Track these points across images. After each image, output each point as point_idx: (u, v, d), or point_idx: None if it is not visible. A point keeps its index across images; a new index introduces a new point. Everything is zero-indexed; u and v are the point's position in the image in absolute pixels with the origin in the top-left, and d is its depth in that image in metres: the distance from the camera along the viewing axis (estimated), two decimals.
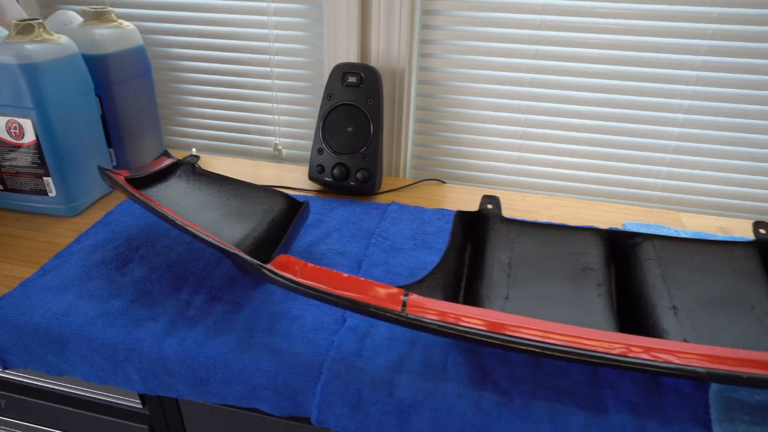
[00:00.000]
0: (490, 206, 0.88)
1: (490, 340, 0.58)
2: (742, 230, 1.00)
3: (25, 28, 0.85)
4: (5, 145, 0.90)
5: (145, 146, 1.13)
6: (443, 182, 1.17)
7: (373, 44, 1.08)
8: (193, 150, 1.23)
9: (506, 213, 1.03)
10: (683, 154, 1.08)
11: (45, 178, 0.92)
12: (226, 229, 0.82)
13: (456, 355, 0.68)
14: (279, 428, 0.78)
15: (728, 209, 1.11)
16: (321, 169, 1.06)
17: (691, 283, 0.75)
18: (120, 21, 1.03)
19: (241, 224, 0.83)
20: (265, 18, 1.15)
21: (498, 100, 1.12)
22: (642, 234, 0.81)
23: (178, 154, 1.24)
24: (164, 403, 0.82)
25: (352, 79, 1.02)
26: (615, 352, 0.58)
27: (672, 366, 0.56)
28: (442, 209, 1.03)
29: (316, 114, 1.22)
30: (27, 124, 0.87)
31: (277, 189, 0.95)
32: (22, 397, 0.88)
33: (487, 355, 0.68)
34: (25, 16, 0.97)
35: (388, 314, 0.60)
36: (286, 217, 0.87)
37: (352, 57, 1.10)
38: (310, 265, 0.68)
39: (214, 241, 0.68)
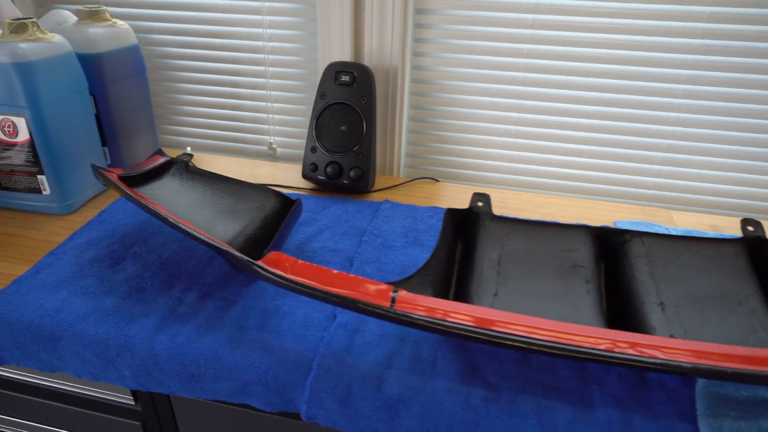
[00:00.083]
0: (480, 204, 0.88)
1: (477, 336, 0.59)
2: (734, 228, 1.01)
3: (18, 27, 0.86)
4: None
5: (139, 145, 1.14)
6: (437, 181, 1.18)
7: (367, 43, 1.09)
8: (188, 149, 1.23)
9: (499, 211, 1.04)
10: (676, 152, 1.08)
11: (39, 177, 0.93)
12: (218, 226, 0.82)
13: (445, 351, 0.69)
14: (269, 424, 0.78)
15: (720, 207, 1.12)
16: (314, 167, 1.06)
17: (680, 279, 0.75)
18: (114, 20, 1.03)
19: (233, 222, 0.84)
20: (259, 17, 1.16)
21: (491, 99, 1.12)
22: (631, 231, 0.82)
23: (174, 153, 1.24)
24: (156, 400, 0.82)
25: (345, 78, 1.03)
26: (601, 347, 0.58)
27: (657, 361, 0.56)
28: (435, 207, 1.03)
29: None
30: (21, 123, 0.87)
31: (270, 187, 0.95)
32: (15, 394, 0.88)
33: (476, 352, 0.69)
34: (19, 15, 0.97)
35: (377, 310, 0.61)
36: (278, 214, 0.88)
37: (346, 56, 1.10)
38: (300, 261, 0.69)
39: (205, 239, 0.68)
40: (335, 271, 0.68)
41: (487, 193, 0.93)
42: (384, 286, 0.66)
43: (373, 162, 1.07)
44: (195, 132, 1.34)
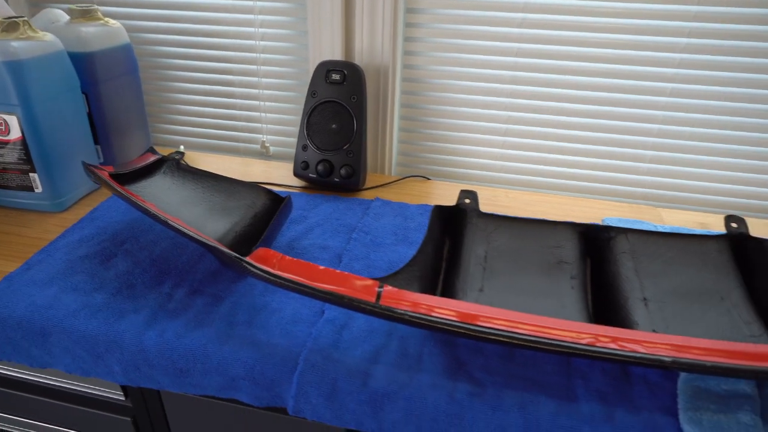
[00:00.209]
0: (467, 201, 0.89)
1: (460, 331, 0.60)
2: (722, 225, 1.01)
3: (10, 26, 0.86)
4: None
5: (132, 143, 1.14)
6: (428, 179, 1.19)
7: (357, 42, 1.10)
8: (181, 147, 1.24)
9: (489, 209, 1.05)
10: (664, 150, 1.09)
11: (31, 174, 0.93)
12: (208, 223, 0.83)
13: (432, 346, 0.70)
14: (258, 418, 0.79)
15: (709, 205, 1.13)
16: (305, 165, 1.07)
17: (663, 275, 0.76)
18: (106, 19, 1.04)
19: (223, 219, 0.85)
20: (251, 16, 1.16)
21: (482, 98, 1.13)
22: (616, 228, 0.83)
23: (167, 152, 1.25)
24: (146, 395, 0.83)
25: (335, 77, 1.04)
26: (583, 341, 0.59)
27: (638, 355, 0.57)
28: (426, 205, 1.04)
29: None
30: (12, 121, 0.88)
31: (261, 185, 0.96)
32: (6, 390, 0.89)
33: (462, 347, 0.69)
34: (12, 13, 0.98)
35: (362, 305, 0.62)
36: (268, 212, 0.89)
37: (337, 55, 1.11)
38: (287, 258, 0.70)
39: (194, 235, 0.69)
40: (322, 267, 0.68)
41: (475, 190, 0.94)
42: (370, 282, 0.66)
43: (364, 160, 1.07)
44: (188, 131, 1.35)
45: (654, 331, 0.67)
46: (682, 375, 0.65)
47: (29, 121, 0.89)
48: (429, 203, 1.06)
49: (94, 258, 0.84)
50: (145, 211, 0.73)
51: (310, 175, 1.07)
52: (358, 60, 1.12)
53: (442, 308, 0.63)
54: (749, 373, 0.55)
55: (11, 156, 0.92)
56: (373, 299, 0.63)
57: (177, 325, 0.71)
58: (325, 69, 1.05)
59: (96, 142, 1.06)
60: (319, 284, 0.64)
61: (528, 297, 0.73)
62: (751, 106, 1.01)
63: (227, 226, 0.83)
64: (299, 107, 1.24)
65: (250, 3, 1.15)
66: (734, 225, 0.82)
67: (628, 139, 1.10)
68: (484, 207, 1.05)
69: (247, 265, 0.66)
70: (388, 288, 0.66)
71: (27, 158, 0.92)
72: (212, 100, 1.29)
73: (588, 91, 1.07)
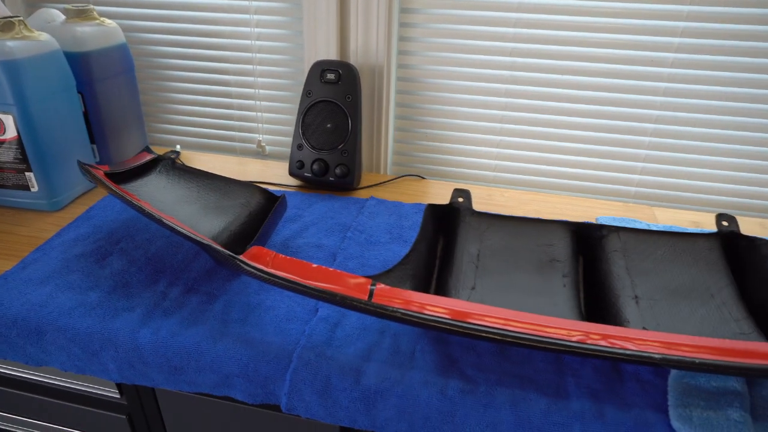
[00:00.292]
0: (460, 199, 0.90)
1: (451, 328, 0.60)
2: (714, 224, 1.02)
3: (5, 26, 0.87)
4: None
5: (128, 143, 1.15)
6: (423, 178, 1.19)
7: (352, 42, 1.10)
8: (177, 146, 1.24)
9: (484, 208, 1.05)
10: (657, 149, 1.10)
11: (27, 174, 0.94)
12: (203, 222, 0.83)
13: (424, 344, 0.70)
14: (252, 416, 0.79)
15: (701, 204, 1.13)
16: (301, 164, 1.08)
17: (655, 273, 0.77)
18: (102, 19, 1.04)
19: (218, 218, 0.85)
20: (247, 16, 1.17)
21: (477, 97, 1.13)
22: (608, 226, 0.83)
23: (163, 151, 1.25)
24: (141, 393, 0.83)
25: (330, 76, 1.04)
26: (574, 339, 0.60)
27: (628, 352, 0.58)
28: (420, 204, 1.04)
29: None
30: (8, 120, 0.89)
31: (255, 184, 0.96)
32: (1, 388, 0.89)
33: (454, 344, 0.70)
34: (8, 13, 0.98)
35: (354, 303, 0.62)
36: (263, 211, 0.89)
37: (332, 54, 1.11)
38: (281, 256, 0.70)
39: (189, 234, 0.69)
40: (315, 265, 0.69)
41: (469, 189, 0.94)
42: (362, 280, 0.67)
43: (359, 159, 1.08)
44: (184, 130, 1.35)
45: (644, 328, 0.68)
46: (673, 372, 0.66)
47: (25, 121, 0.89)
48: (424, 202, 1.07)
49: (90, 257, 0.84)
50: (140, 210, 0.73)
51: (306, 174, 1.08)
52: (353, 60, 1.12)
53: (435, 306, 0.64)
54: (738, 370, 0.55)
55: (7, 155, 0.92)
56: (365, 297, 0.64)
57: (172, 323, 0.72)
58: (320, 69, 1.05)
59: (92, 141, 1.07)
60: (312, 282, 0.64)
61: (520, 295, 0.74)
62: (744, 105, 1.02)
63: (222, 225, 0.83)
64: (295, 107, 1.24)
65: (246, 3, 1.15)
66: (725, 223, 0.83)
67: (622, 138, 1.10)
68: (480, 206, 1.06)
69: (241, 263, 0.66)
70: (381, 286, 0.66)
71: (23, 157, 0.92)
72: (208, 99, 1.29)
73: (583, 91, 1.08)
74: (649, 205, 1.15)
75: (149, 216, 0.72)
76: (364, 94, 1.14)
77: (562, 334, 0.61)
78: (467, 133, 1.18)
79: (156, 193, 0.88)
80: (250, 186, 0.93)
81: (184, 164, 0.97)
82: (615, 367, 0.67)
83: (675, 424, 0.60)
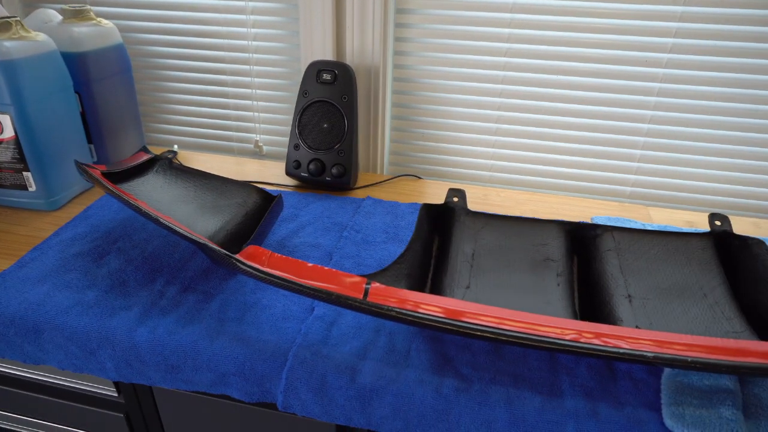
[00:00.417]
0: (456, 199, 0.90)
1: (445, 326, 0.61)
2: (707, 223, 1.02)
3: (2, 26, 0.87)
4: None
5: (125, 142, 1.15)
6: (419, 178, 1.20)
7: (348, 42, 1.11)
8: (175, 146, 1.24)
9: (481, 207, 1.06)
10: (652, 150, 1.10)
11: (25, 173, 0.94)
12: (199, 221, 0.84)
13: (419, 342, 0.70)
14: (248, 414, 0.80)
15: (695, 203, 1.14)
16: (297, 164, 1.08)
17: (648, 272, 0.77)
18: (99, 19, 1.05)
19: (214, 217, 0.85)
20: (243, 17, 1.17)
21: (473, 98, 1.14)
22: (602, 226, 0.84)
23: (160, 151, 1.26)
24: (139, 392, 0.84)
25: (326, 77, 1.04)
26: (567, 337, 0.60)
27: (622, 351, 0.58)
28: (417, 204, 1.05)
29: None
30: (6, 120, 0.89)
31: (252, 183, 0.97)
32: (0, 387, 0.90)
33: (450, 343, 0.70)
34: (5, 13, 0.99)
35: (350, 302, 0.63)
36: (259, 210, 0.89)
37: (328, 55, 1.12)
38: (277, 255, 0.71)
39: (186, 233, 0.70)
40: (311, 264, 0.69)
41: (464, 189, 0.95)
42: (358, 279, 0.67)
43: (356, 159, 1.08)
44: (182, 130, 1.35)
45: (637, 327, 0.68)
46: (666, 371, 0.66)
47: (22, 121, 0.90)
48: (420, 202, 1.07)
49: (87, 256, 0.85)
50: (137, 210, 0.73)
51: (302, 174, 1.08)
52: (349, 60, 1.13)
53: (429, 305, 0.64)
54: (730, 369, 0.56)
55: (5, 155, 0.93)
56: (360, 296, 0.64)
57: (168, 321, 0.72)
58: (317, 69, 1.05)
59: (89, 141, 1.07)
60: (308, 281, 0.65)
61: (514, 294, 0.75)
62: (738, 106, 1.02)
63: (218, 224, 0.84)
64: (292, 107, 1.25)
65: (242, 3, 1.16)
66: (718, 223, 0.83)
67: (617, 138, 1.11)
68: (476, 206, 1.06)
69: (237, 263, 0.67)
70: (376, 285, 0.67)
71: (20, 157, 0.93)
72: (205, 99, 1.30)
73: (578, 91, 1.08)
74: (644, 204, 1.16)
75: (146, 215, 0.73)
76: (360, 95, 1.15)
77: (556, 333, 0.61)
78: (463, 133, 1.18)
79: (153, 193, 0.89)
80: (246, 186, 0.93)
81: (181, 164, 0.98)
82: (608, 365, 0.68)
83: (668, 422, 0.60)
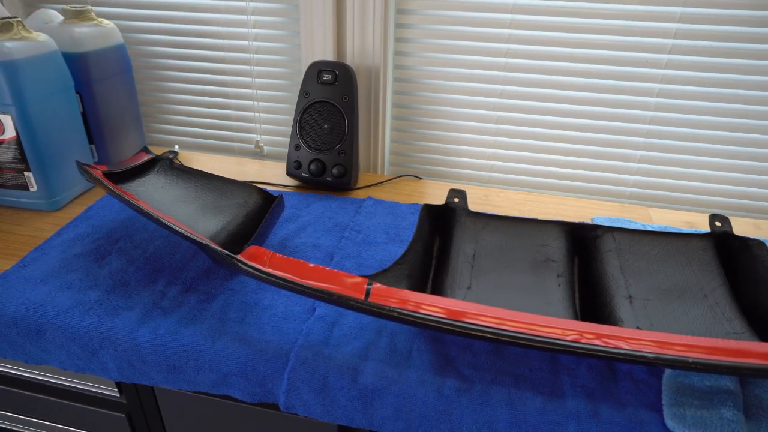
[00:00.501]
0: (456, 200, 0.90)
1: (447, 327, 0.61)
2: (708, 224, 1.03)
3: (3, 27, 0.87)
4: None
5: (126, 143, 1.15)
6: (420, 178, 1.20)
7: (349, 43, 1.11)
8: (176, 147, 1.25)
9: (481, 208, 1.06)
10: (653, 150, 1.11)
11: (26, 173, 0.94)
12: (201, 222, 0.84)
13: (421, 343, 0.71)
14: (250, 414, 0.80)
15: (695, 204, 1.14)
16: (298, 165, 1.08)
17: (648, 273, 0.77)
18: (100, 19, 1.05)
19: (215, 217, 0.86)
20: (244, 17, 1.17)
21: (473, 98, 1.14)
22: (603, 227, 0.84)
23: (161, 151, 1.25)
24: (140, 392, 0.84)
25: (327, 77, 1.05)
26: (568, 338, 0.60)
27: (623, 351, 0.58)
28: (417, 204, 1.05)
29: None
30: (7, 120, 0.89)
31: (253, 184, 0.97)
32: (1, 387, 0.90)
33: (451, 343, 0.71)
34: (6, 14, 0.99)
35: (351, 302, 0.63)
36: (260, 210, 0.90)
37: (329, 55, 1.12)
38: (278, 255, 0.71)
39: (186, 233, 0.70)
40: (312, 265, 0.69)
41: (465, 189, 0.95)
42: (359, 279, 0.67)
43: (356, 159, 1.08)
44: (183, 130, 1.35)
45: (638, 328, 0.69)
46: (667, 371, 0.66)
47: (24, 121, 0.90)
48: (421, 202, 1.08)
49: (89, 256, 0.85)
50: (139, 210, 0.74)
51: (303, 174, 1.08)
52: (349, 60, 1.13)
53: (431, 305, 0.64)
54: (730, 369, 0.56)
55: (6, 155, 0.93)
56: (362, 296, 0.64)
57: (170, 322, 0.72)
58: (317, 69, 1.06)
59: (90, 141, 1.07)
60: (309, 282, 0.65)
61: (515, 294, 0.75)
62: (738, 107, 1.03)
63: (220, 225, 0.84)
64: (292, 107, 1.25)
65: (243, 4, 1.16)
66: (718, 224, 0.84)
67: (617, 139, 1.11)
68: (476, 206, 1.06)
69: (239, 263, 0.67)
70: (377, 285, 0.67)
71: (22, 157, 0.93)
72: (206, 100, 1.30)
73: (578, 92, 1.09)
74: (644, 205, 1.16)
75: (148, 216, 0.73)
76: (361, 95, 1.15)
77: (557, 334, 0.61)
78: (463, 134, 1.18)
79: (154, 193, 0.89)
80: (247, 186, 0.93)
81: (182, 164, 0.98)
82: (609, 366, 0.68)
83: (669, 423, 0.61)
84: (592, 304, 0.75)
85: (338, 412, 0.67)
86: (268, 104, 1.26)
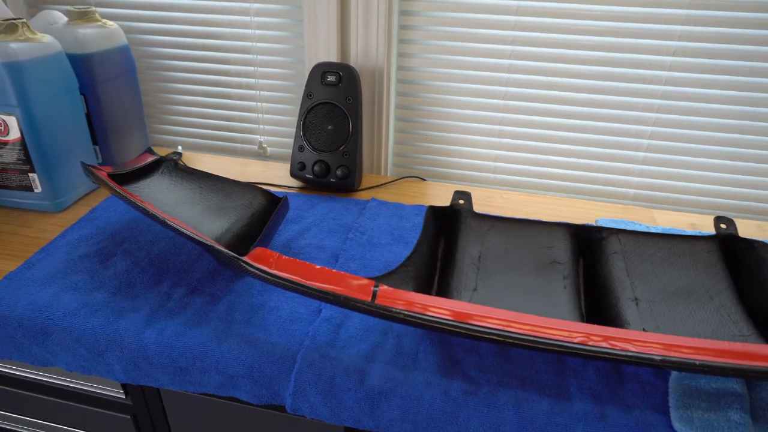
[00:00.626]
0: (461, 201, 0.90)
1: (454, 329, 0.61)
2: (712, 226, 1.03)
3: (8, 28, 0.87)
4: None
5: (130, 144, 1.15)
6: (423, 180, 1.20)
7: (352, 44, 1.11)
8: (179, 148, 1.25)
9: (484, 209, 1.06)
10: (656, 152, 1.11)
11: (30, 175, 0.94)
12: (206, 223, 0.84)
13: (427, 345, 0.71)
14: (257, 416, 0.80)
15: (699, 206, 1.14)
16: (302, 166, 1.08)
17: (654, 275, 0.77)
18: (104, 21, 1.05)
19: (220, 219, 0.86)
20: (247, 18, 1.17)
21: (477, 99, 1.14)
22: (608, 228, 0.84)
23: (165, 152, 1.26)
24: (146, 393, 0.84)
25: (331, 78, 1.05)
26: (575, 340, 0.60)
27: (629, 354, 0.58)
28: (421, 205, 1.05)
29: None
30: (12, 121, 0.89)
31: (257, 185, 0.97)
32: (8, 389, 0.90)
33: (457, 345, 0.71)
34: (11, 15, 0.99)
35: (358, 304, 0.63)
36: (265, 212, 0.90)
37: (332, 57, 1.12)
38: (284, 257, 0.71)
39: (192, 235, 0.70)
40: (318, 267, 0.69)
41: (470, 191, 0.95)
42: (365, 281, 0.68)
43: (360, 161, 1.08)
44: (186, 131, 1.35)
45: (644, 330, 0.69)
46: (674, 374, 0.66)
47: (28, 122, 0.90)
48: (424, 204, 1.08)
49: (94, 257, 0.85)
50: (144, 211, 0.73)
51: (307, 175, 1.08)
52: (353, 62, 1.13)
53: (437, 307, 0.64)
54: (737, 372, 0.56)
55: (10, 156, 0.93)
56: (368, 298, 0.64)
57: (176, 323, 0.72)
58: (321, 71, 1.06)
59: (94, 142, 1.07)
60: (315, 283, 0.65)
61: (521, 296, 0.75)
62: (742, 108, 1.03)
63: (225, 226, 0.84)
64: (296, 108, 1.25)
65: (246, 5, 1.16)
66: (723, 226, 0.84)
67: (620, 140, 1.11)
68: (480, 207, 1.06)
69: (245, 265, 0.67)
70: (384, 287, 0.67)
71: (26, 158, 0.93)
72: (210, 101, 1.30)
73: (581, 94, 1.09)
74: (647, 207, 1.16)
75: (153, 217, 0.73)
76: (365, 96, 1.15)
77: (564, 336, 0.61)
78: (467, 135, 1.18)
79: (159, 195, 0.89)
80: (252, 187, 0.93)
81: (186, 165, 0.98)
82: (616, 368, 0.68)
83: (676, 425, 0.61)
84: (597, 306, 0.75)
85: (345, 414, 0.67)
86: (272, 105, 1.26)
